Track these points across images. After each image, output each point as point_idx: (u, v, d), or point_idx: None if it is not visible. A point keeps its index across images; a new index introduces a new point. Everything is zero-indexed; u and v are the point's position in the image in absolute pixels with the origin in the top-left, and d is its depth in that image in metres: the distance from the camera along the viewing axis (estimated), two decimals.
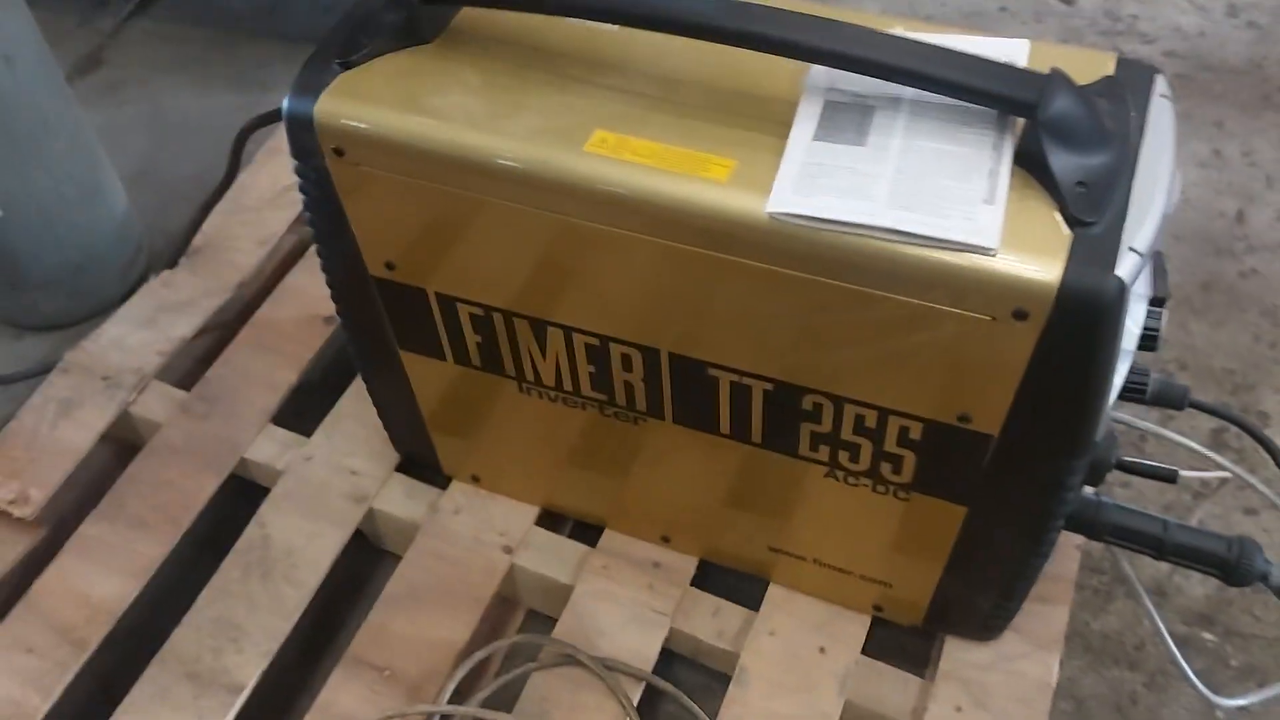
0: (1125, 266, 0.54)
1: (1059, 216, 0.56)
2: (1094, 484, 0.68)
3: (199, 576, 0.85)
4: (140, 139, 1.36)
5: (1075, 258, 0.54)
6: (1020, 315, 0.56)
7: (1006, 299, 0.55)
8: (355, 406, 0.94)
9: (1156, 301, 0.67)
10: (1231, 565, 0.68)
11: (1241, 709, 0.83)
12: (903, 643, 0.85)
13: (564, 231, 0.64)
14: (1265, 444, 0.75)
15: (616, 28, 0.66)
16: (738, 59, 0.62)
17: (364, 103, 0.65)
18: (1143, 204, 0.57)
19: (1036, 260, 0.54)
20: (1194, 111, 1.32)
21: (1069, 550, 0.85)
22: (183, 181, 1.29)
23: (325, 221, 0.71)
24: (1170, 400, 0.74)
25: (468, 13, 0.69)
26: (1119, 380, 0.62)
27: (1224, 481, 0.86)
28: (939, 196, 0.57)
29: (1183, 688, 0.85)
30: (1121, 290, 0.54)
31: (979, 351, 0.59)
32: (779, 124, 0.61)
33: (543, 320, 0.71)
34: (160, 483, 0.91)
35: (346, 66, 0.66)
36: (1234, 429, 0.95)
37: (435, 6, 0.68)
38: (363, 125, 0.65)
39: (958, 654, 0.80)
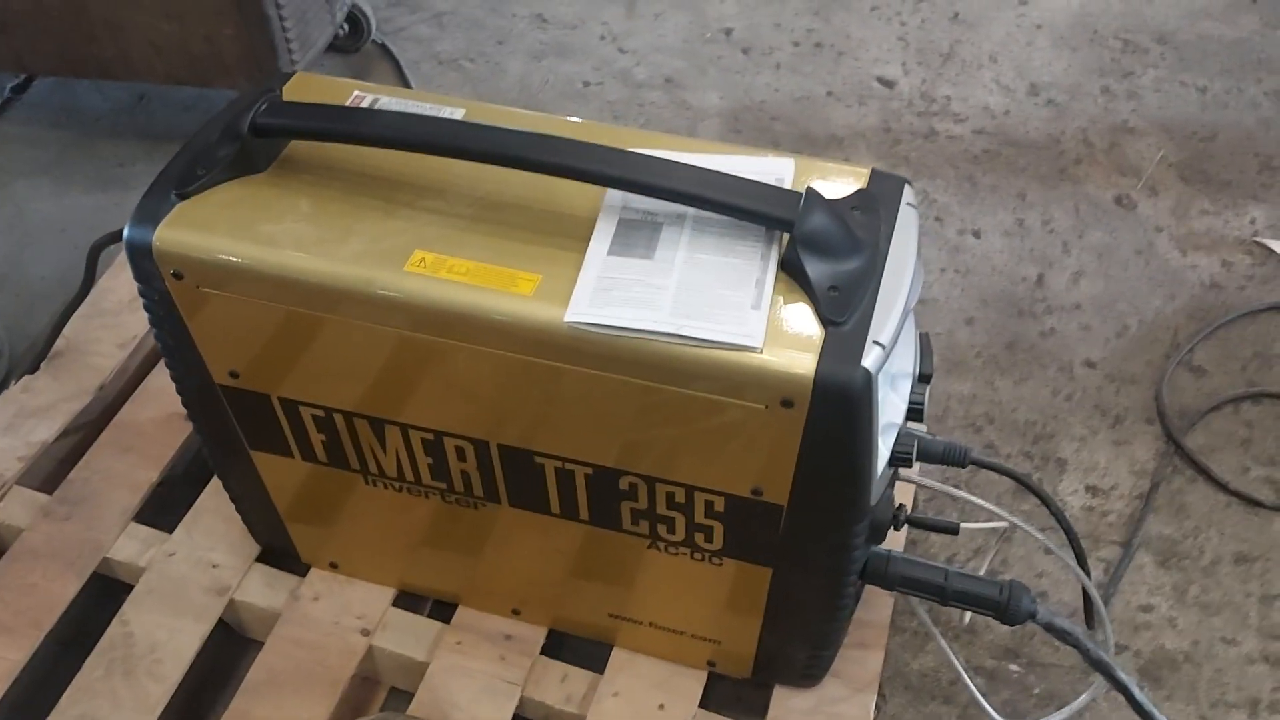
0: (870, 357, 0.63)
1: (814, 317, 0.65)
2: (877, 542, 0.76)
3: (63, 677, 0.88)
4: (1, 242, 1.38)
5: (827, 353, 0.63)
6: (787, 403, 0.64)
7: (773, 390, 0.64)
8: (216, 501, 0.98)
9: (924, 378, 0.76)
10: (1003, 606, 0.77)
11: None
12: (740, 694, 0.92)
13: (393, 342, 0.71)
14: (1035, 492, 0.85)
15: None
16: (547, 182, 0.70)
17: (200, 231, 0.71)
18: (887, 302, 0.66)
19: (795, 356, 0.63)
20: (1000, 185, 1.45)
21: (884, 598, 0.93)
22: (44, 283, 1.31)
23: (170, 337, 0.76)
24: (954, 459, 0.83)
25: (297, 143, 0.76)
26: (886, 450, 0.71)
27: (1003, 531, 0.96)
28: (714, 304, 0.65)
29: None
30: (867, 378, 0.63)
31: (760, 434, 0.67)
32: (581, 240, 0.69)
33: (381, 419, 0.77)
34: (23, 587, 0.93)
35: (183, 197, 0.72)
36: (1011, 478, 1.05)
37: (266, 139, 0.74)
38: (199, 252, 0.70)
39: (785, 701, 0.87)
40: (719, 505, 0.73)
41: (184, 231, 0.71)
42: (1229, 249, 1.36)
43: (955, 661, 0.83)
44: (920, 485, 0.87)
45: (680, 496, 0.74)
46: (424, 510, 0.84)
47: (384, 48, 1.65)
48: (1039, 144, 1.51)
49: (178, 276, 0.72)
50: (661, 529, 0.77)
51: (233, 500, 0.92)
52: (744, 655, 0.86)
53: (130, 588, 0.94)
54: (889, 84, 1.62)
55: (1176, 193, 1.44)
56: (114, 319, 1.14)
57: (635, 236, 0.69)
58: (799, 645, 0.83)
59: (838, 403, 0.63)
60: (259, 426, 0.82)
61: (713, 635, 0.86)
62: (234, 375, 0.78)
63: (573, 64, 1.65)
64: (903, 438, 0.73)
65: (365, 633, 0.91)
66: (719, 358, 0.64)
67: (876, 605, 0.92)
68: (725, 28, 1.72)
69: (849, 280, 0.66)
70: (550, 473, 0.76)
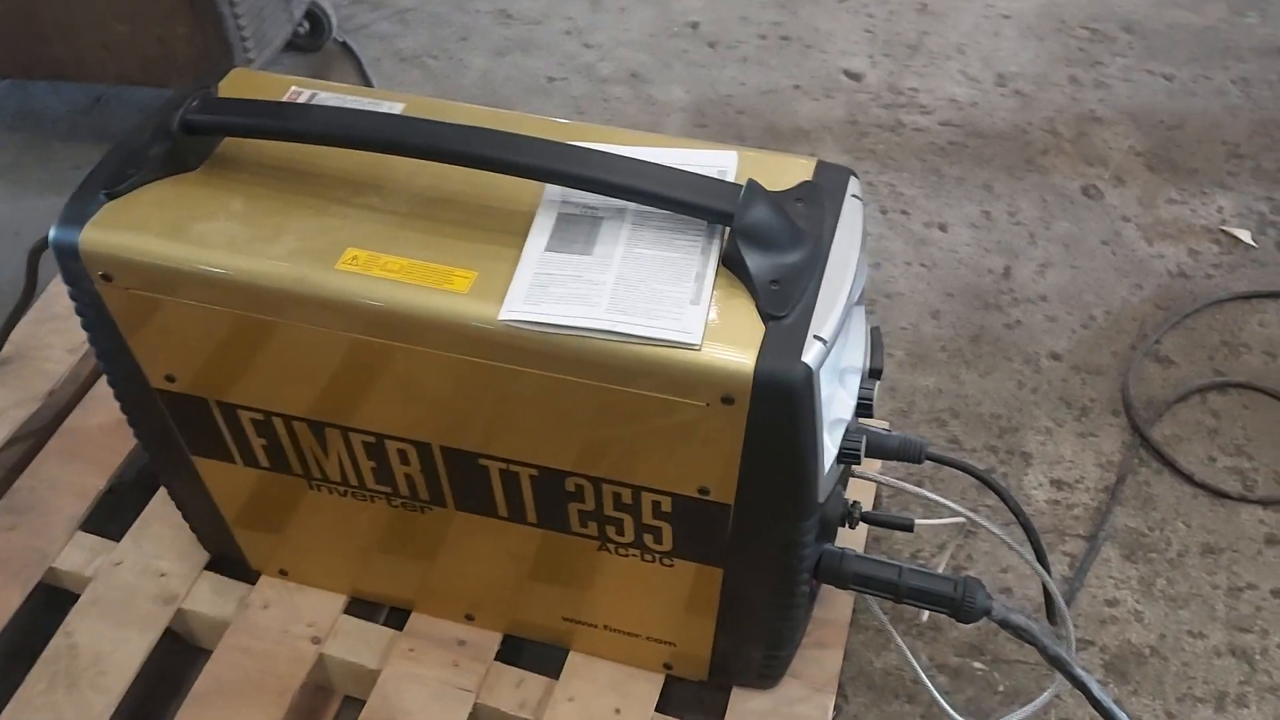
0: (811, 353, 0.62)
1: (755, 312, 0.63)
2: (829, 540, 0.75)
3: (6, 691, 0.86)
4: None
5: (767, 348, 0.62)
6: (728, 400, 0.63)
7: (713, 387, 0.62)
8: (165, 508, 0.96)
9: (874, 373, 0.75)
10: (958, 603, 0.75)
11: None
12: (700, 696, 0.91)
13: (328, 343, 0.69)
14: (992, 485, 0.83)
15: None
16: (486, 177, 0.68)
17: (128, 231, 0.69)
18: (830, 295, 0.65)
19: (734, 352, 0.62)
20: (966, 176, 1.44)
21: (844, 597, 0.92)
22: None
23: (103, 340, 0.75)
24: (910, 455, 0.82)
25: (231, 141, 0.74)
26: (833, 447, 0.70)
27: (963, 527, 0.95)
28: (653, 300, 0.63)
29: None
30: (808, 374, 0.61)
31: (703, 433, 0.65)
32: (519, 236, 0.68)
33: (320, 422, 0.75)
34: None
35: (112, 196, 0.70)
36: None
37: (197, 137, 0.72)
38: (128, 253, 0.69)
39: (741, 704, 0.86)
40: (666, 505, 0.72)
41: (112, 232, 0.69)
42: (1196, 238, 1.35)
43: (912, 660, 0.82)
44: (880, 483, 0.85)
45: (627, 497, 0.72)
46: (371, 515, 0.82)
47: (345, 46, 1.63)
48: (1006, 135, 1.50)
49: (107, 278, 0.70)
50: (610, 530, 0.76)
51: (179, 507, 0.90)
52: (700, 657, 0.85)
53: (76, 598, 0.92)
54: (856, 77, 1.60)
55: (1143, 182, 1.43)
56: (64, 323, 1.12)
57: (574, 231, 0.67)
58: (754, 646, 0.82)
59: (779, 399, 0.62)
60: (199, 432, 0.80)
61: (668, 637, 0.84)
62: (170, 379, 0.76)
63: (536, 59, 1.63)
64: (851, 434, 0.71)
65: (316, 640, 0.89)
66: (657, 355, 0.62)
67: (836, 604, 0.91)
68: (691, 21, 1.70)
69: (790, 274, 0.65)
70: (495, 475, 0.74)
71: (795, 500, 0.68)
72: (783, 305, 0.63)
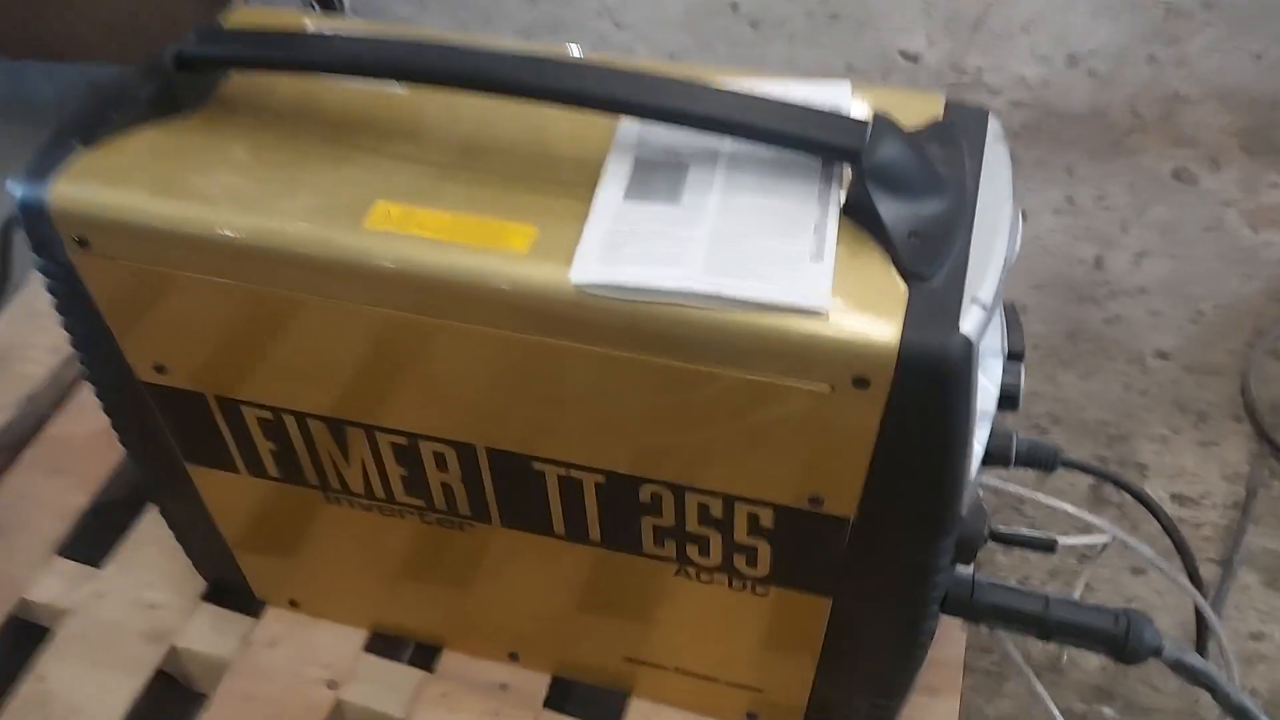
0: (970, 321, 0.48)
1: (893, 271, 0.50)
2: (965, 562, 0.61)
3: None
4: None
5: (914, 316, 0.48)
6: (861, 383, 0.49)
7: (843, 365, 0.49)
8: (156, 529, 0.82)
9: (1015, 355, 0.62)
10: (1120, 642, 0.62)
11: None
12: None
13: (350, 320, 0.56)
14: (1144, 501, 0.70)
15: (405, 91, 0.60)
16: (541, 120, 0.56)
17: (110, 185, 0.56)
18: (983, 252, 0.51)
19: (872, 320, 0.48)
20: (1045, 159, 1.31)
21: (954, 632, 0.78)
22: None
23: (78, 323, 0.62)
24: (1041, 461, 0.68)
25: (236, 80, 0.61)
26: (980, 446, 0.56)
27: (1105, 545, 0.81)
28: (761, 257, 0.50)
29: None
30: (967, 348, 0.48)
31: (822, 426, 0.52)
32: (587, 187, 0.55)
33: (341, 421, 0.62)
34: None
35: (90, 143, 0.57)
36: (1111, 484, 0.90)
37: (195, 74, 0.59)
38: (109, 211, 0.56)
39: None
40: (766, 519, 0.58)
41: (89, 186, 0.56)
42: None
43: (1055, 712, 0.68)
44: (1000, 492, 0.72)
45: (717, 510, 0.59)
46: (399, 534, 0.69)
47: None
48: (1084, 116, 1.37)
49: (82, 243, 0.57)
50: (692, 551, 0.62)
51: (171, 528, 0.77)
52: (792, 705, 0.71)
53: (51, 634, 0.78)
54: (913, 57, 1.47)
55: (1240, 165, 1.29)
56: (48, 320, 0.98)
57: (655, 180, 0.54)
58: (862, 693, 0.68)
59: (929, 381, 0.48)
60: (195, 434, 0.66)
61: (754, 682, 0.70)
62: (160, 370, 0.63)
63: (565, 41, 1.50)
64: (998, 432, 0.58)
65: (332, 685, 0.75)
66: (771, 326, 0.49)
67: (948, 640, 0.77)
68: (731, 0, 1.57)
69: (932, 225, 0.51)
70: (552, 483, 0.61)
71: (935, 513, 0.55)
72: (928, 262, 0.50)
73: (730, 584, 0.63)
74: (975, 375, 0.50)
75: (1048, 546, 0.67)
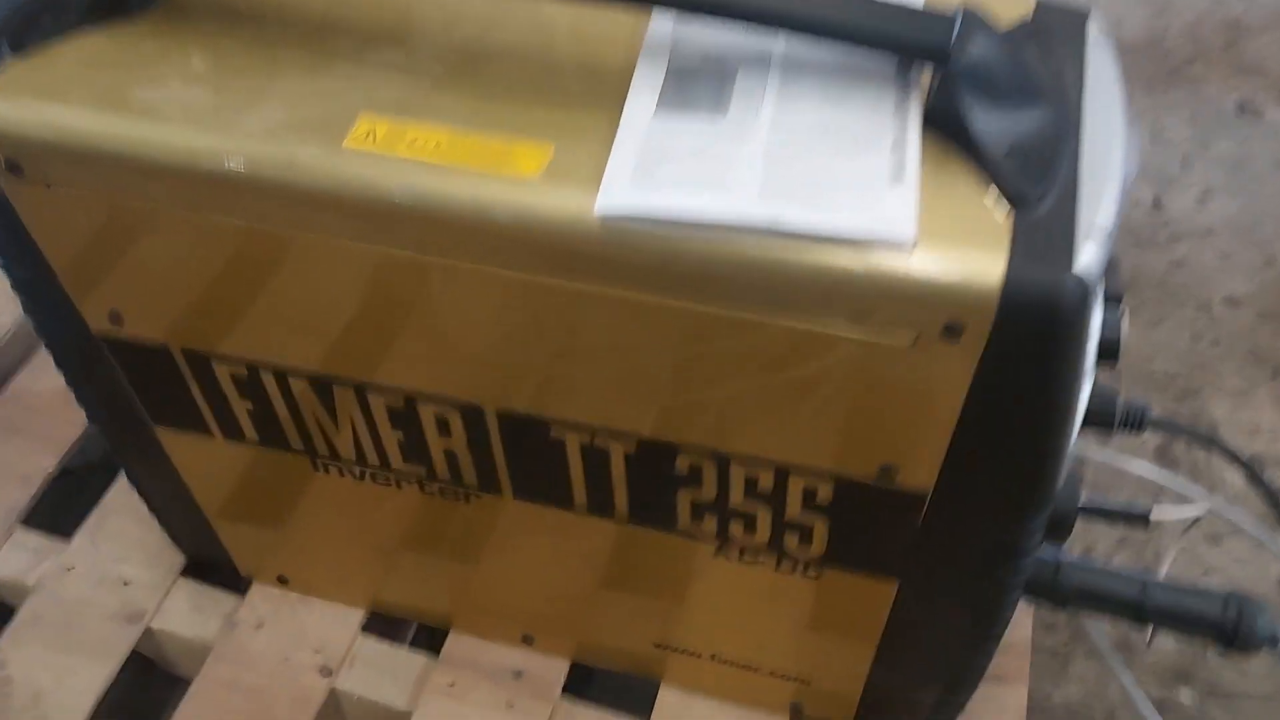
0: (1086, 256, 0.39)
1: (991, 195, 0.41)
2: (1056, 540, 0.52)
3: None
4: None
5: (1020, 248, 0.39)
6: (951, 332, 0.40)
7: (931, 311, 0.40)
8: (130, 497, 0.74)
9: (1113, 298, 0.53)
10: (1229, 631, 0.53)
11: None
12: None
13: (329, 259, 0.47)
14: (1250, 469, 0.61)
15: None
16: (554, 23, 0.47)
17: (45, 100, 0.47)
18: (1096, 172, 0.42)
19: (968, 255, 0.39)
20: None
21: (1020, 613, 0.70)
22: None
23: (17, 265, 0.53)
24: (1132, 420, 0.60)
25: None
26: (1081, 407, 0.47)
27: (1198, 519, 0.72)
28: (829, 179, 0.41)
29: None
30: (1084, 290, 0.39)
31: (900, 385, 0.43)
32: (611, 98, 0.45)
33: (327, 378, 0.53)
34: None
35: (19, 51, 0.48)
36: (1180, 442, 0.82)
37: None
38: (44, 131, 0.47)
39: None
40: (825, 493, 0.49)
41: (20, 102, 0.47)
42: None
43: (1141, 699, 0.59)
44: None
45: (767, 482, 0.50)
46: (397, 505, 0.61)
47: None
48: (1139, 44, 1.26)
49: (14, 169, 0.48)
50: (735, 529, 0.54)
51: (143, 497, 0.69)
52: (844, 697, 0.63)
53: (12, 613, 0.71)
54: None
55: None
56: None
57: (695, 89, 0.45)
58: (925, 686, 0.60)
59: (1038, 328, 0.40)
60: (162, 394, 0.58)
61: (800, 673, 0.62)
62: (116, 320, 0.54)
63: None
64: (1100, 389, 0.49)
65: (326, 672, 0.67)
66: (843, 263, 0.40)
67: (1014, 621, 0.68)
68: None
69: (1035, 140, 0.42)
70: (574, 451, 0.52)
71: (1028, 486, 0.46)
72: (1032, 184, 0.41)
73: (778, 565, 0.55)
74: (1090, 322, 0.41)
75: (1141, 518, 0.59)
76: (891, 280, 0.40)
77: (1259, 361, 0.93)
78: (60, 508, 0.77)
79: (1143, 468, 0.68)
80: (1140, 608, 0.54)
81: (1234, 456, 0.62)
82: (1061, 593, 0.55)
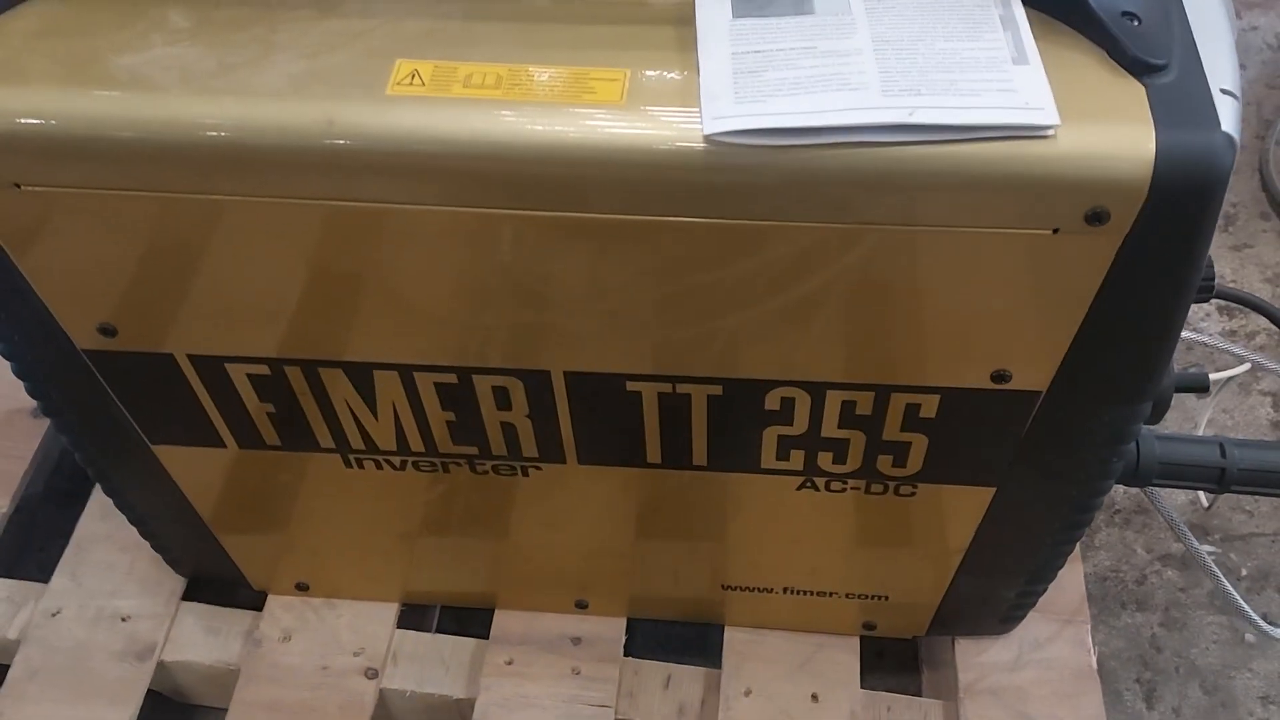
0: (1228, 115, 0.37)
1: (1117, 65, 0.38)
2: (1154, 422, 0.51)
3: None
4: None
5: (1164, 117, 0.37)
6: (1096, 218, 0.38)
7: (1079, 196, 0.37)
8: (103, 524, 0.67)
9: None
10: None
11: None
12: (880, 648, 0.69)
13: (376, 225, 0.41)
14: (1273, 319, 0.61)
15: None
16: None
17: (3, 82, 0.40)
18: (1209, 31, 0.40)
19: (1115, 131, 0.37)
20: None
21: None
22: None
23: None
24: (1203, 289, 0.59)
25: None
26: None
27: (1234, 376, 0.73)
28: (949, 67, 0.38)
29: (1205, 618, 0.73)
30: (1234, 146, 0.37)
31: (1031, 282, 0.41)
32: (672, 8, 0.41)
33: (366, 363, 0.48)
34: None
35: None
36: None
37: None
38: (7, 118, 0.39)
39: (973, 658, 0.64)
40: (929, 409, 0.47)
41: None
42: None
43: (1211, 566, 0.60)
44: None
45: (865, 406, 0.47)
46: (439, 491, 0.56)
47: None
48: None
49: None
50: (824, 459, 0.51)
51: (134, 523, 0.61)
52: (923, 607, 0.62)
53: (4, 670, 0.63)
54: None
55: None
56: None
57: None
58: (1009, 584, 0.59)
59: (1189, 199, 0.37)
60: (161, 408, 0.51)
61: (878, 590, 0.61)
62: (107, 332, 0.47)
63: None
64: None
65: (371, 673, 0.62)
66: (983, 157, 0.37)
67: None
68: None
69: (1145, 4, 0.40)
70: (650, 404, 0.48)
71: (1147, 370, 0.45)
72: (1157, 49, 0.38)
73: (868, 489, 0.52)
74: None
75: (1203, 386, 0.58)
76: (1037, 169, 0.37)
77: None
78: (19, 549, 0.69)
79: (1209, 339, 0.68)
80: (1225, 474, 0.54)
81: (1257, 306, 0.62)
82: (1147, 471, 0.55)
